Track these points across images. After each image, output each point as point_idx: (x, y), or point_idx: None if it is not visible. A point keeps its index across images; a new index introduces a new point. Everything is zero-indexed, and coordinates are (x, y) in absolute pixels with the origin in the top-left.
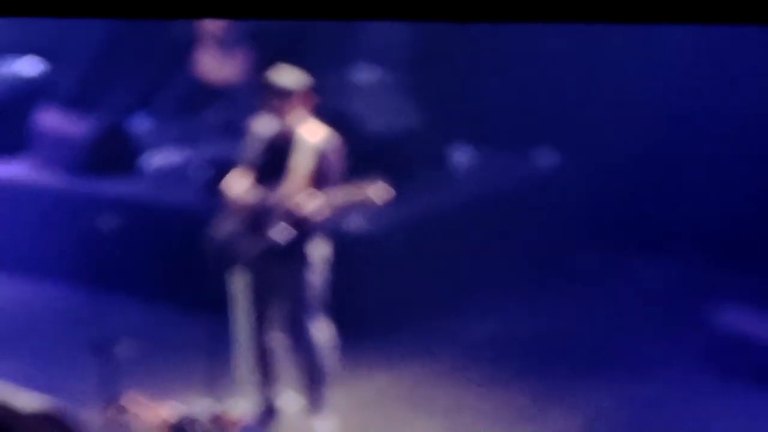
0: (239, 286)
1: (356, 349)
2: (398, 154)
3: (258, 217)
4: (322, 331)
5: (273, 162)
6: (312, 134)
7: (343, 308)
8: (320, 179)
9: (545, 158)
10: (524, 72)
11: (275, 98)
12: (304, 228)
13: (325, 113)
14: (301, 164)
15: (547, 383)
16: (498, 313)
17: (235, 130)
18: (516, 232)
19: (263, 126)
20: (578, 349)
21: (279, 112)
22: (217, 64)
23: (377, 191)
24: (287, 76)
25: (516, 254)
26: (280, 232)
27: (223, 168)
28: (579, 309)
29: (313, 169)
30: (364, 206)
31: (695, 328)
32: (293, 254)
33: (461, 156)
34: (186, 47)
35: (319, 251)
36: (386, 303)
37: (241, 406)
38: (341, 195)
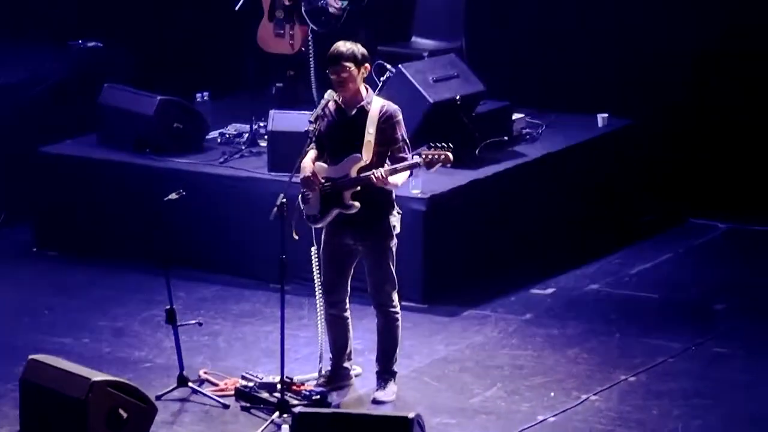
0: (313, 256)
1: (417, 315)
2: (459, 119)
3: (326, 189)
4: (393, 300)
5: (335, 134)
6: (372, 105)
7: (404, 275)
8: (383, 148)
9: (605, 122)
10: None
11: (335, 71)
12: (372, 197)
13: (392, 83)
14: (363, 135)
15: (614, 342)
16: (562, 274)
17: (298, 102)
18: (578, 194)
19: (325, 98)
20: (649, 306)
21: (339, 85)
22: (278, 37)
23: (436, 156)
24: (345, 49)
25: (579, 213)
26: (348, 203)
27: (287, 141)
28: (647, 264)
29: (375, 138)
30: (426, 170)
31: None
32: (363, 224)
33: (521, 121)
34: (247, 21)
35: (390, 220)
36: (447, 269)
37: (307, 371)
38: (402, 163)
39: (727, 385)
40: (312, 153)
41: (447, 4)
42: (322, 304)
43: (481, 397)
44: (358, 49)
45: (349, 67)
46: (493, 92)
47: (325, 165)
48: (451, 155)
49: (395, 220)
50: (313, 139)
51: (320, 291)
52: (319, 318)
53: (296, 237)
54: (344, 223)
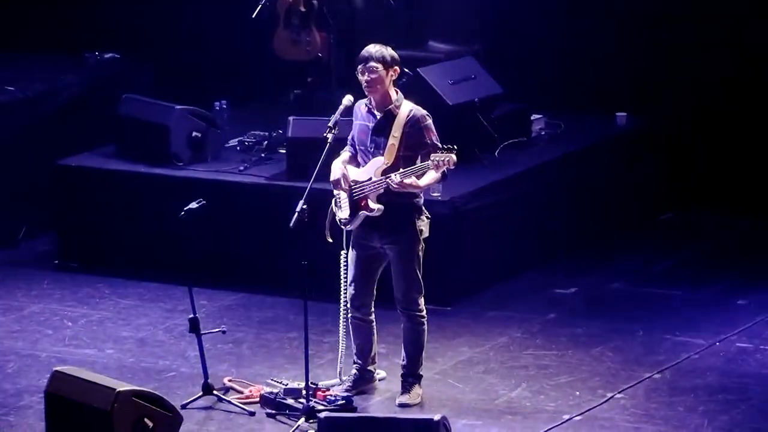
0: (342, 260)
1: (440, 317)
2: (478, 121)
3: (353, 192)
4: (420, 305)
5: (364, 136)
6: (401, 108)
7: (427, 277)
8: (409, 152)
9: (623, 120)
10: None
11: (363, 71)
12: (398, 201)
13: (410, 86)
14: (390, 138)
15: (638, 340)
16: (584, 273)
17: (317, 107)
18: (598, 193)
19: (344, 103)
20: (672, 303)
21: (367, 86)
22: (294, 44)
23: (443, 160)
24: (375, 50)
25: (599, 212)
26: (371, 206)
27: (306, 147)
28: (669, 261)
29: (399, 142)
30: (448, 174)
31: None
32: (391, 228)
33: (540, 121)
34: (264, 29)
35: (417, 224)
36: (470, 270)
37: (332, 376)
38: (413, 167)
39: (752, 380)
40: (345, 155)
41: (462, 7)
42: (345, 310)
43: (507, 398)
44: (388, 51)
45: (378, 68)
46: (511, 94)
47: (355, 168)
48: (454, 156)
49: (423, 224)
50: (349, 141)
51: (345, 296)
52: (341, 324)
53: (330, 240)
54: (372, 227)
